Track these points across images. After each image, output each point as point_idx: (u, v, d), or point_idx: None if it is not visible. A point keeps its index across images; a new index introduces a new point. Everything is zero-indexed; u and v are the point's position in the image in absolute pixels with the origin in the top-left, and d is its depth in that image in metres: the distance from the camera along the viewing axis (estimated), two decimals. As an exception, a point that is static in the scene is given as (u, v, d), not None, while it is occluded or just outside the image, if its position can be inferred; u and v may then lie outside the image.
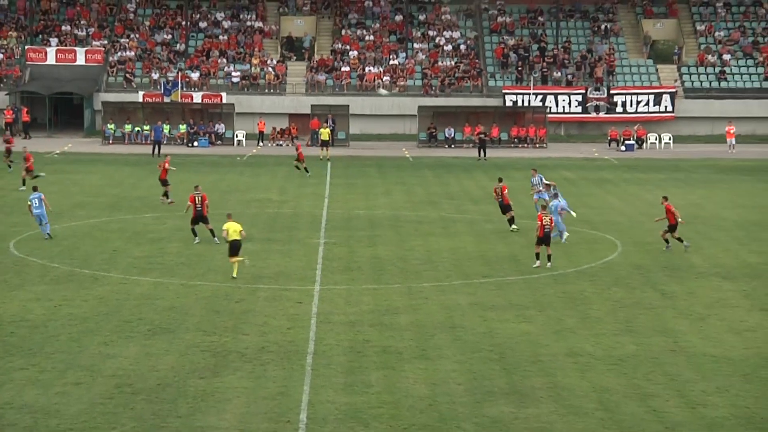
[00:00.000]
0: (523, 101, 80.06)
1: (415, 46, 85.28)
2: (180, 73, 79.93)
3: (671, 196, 50.68)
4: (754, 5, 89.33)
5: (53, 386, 22.01)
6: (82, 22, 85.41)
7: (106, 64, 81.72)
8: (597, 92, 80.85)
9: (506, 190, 41.22)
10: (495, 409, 21.10)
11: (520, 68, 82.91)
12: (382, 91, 79.93)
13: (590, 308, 29.22)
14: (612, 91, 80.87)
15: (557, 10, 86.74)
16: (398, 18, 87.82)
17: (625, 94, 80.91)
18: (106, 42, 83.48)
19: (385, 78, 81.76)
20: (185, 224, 38.63)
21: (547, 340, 26.00)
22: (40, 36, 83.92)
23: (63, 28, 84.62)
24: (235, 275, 32.08)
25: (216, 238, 36.92)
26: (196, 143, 74.48)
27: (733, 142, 74.18)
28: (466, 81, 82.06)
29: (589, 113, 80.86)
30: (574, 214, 39.47)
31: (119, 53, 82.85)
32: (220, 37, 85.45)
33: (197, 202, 37.35)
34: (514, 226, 40.67)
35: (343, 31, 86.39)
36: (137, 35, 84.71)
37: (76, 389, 21.87)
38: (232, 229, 32.23)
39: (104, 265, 34.01)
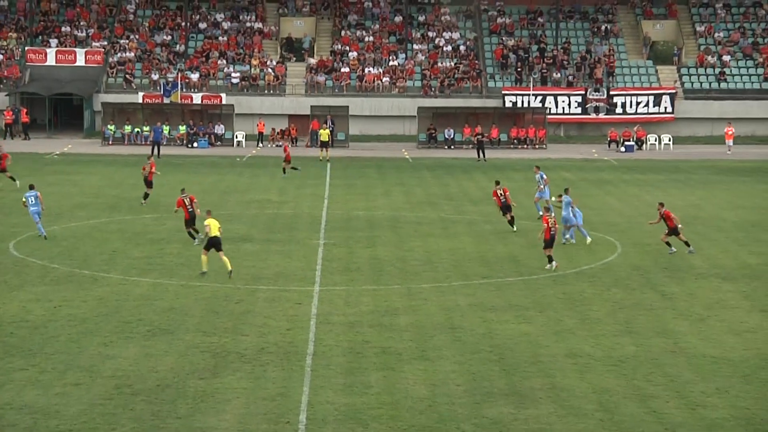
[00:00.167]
0: (522, 102, 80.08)
1: (415, 47, 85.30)
2: (180, 74, 79.93)
3: (671, 197, 50.80)
4: (754, 6, 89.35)
5: (53, 387, 22.02)
6: (81, 23, 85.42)
7: (105, 65, 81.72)
8: (596, 93, 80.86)
9: (508, 192, 41.41)
10: (494, 410, 21.10)
11: (519, 69, 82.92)
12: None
13: (590, 309, 29.23)
14: (611, 92, 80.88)
15: (557, 11, 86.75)
16: (398, 19, 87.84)
17: (625, 95, 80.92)
18: (105, 43, 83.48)
19: (384, 79, 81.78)
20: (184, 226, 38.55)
21: (546, 341, 26.01)
22: (40, 37, 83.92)
23: (63, 29, 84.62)
24: (204, 270, 32.23)
25: (195, 240, 37.02)
26: (195, 144, 74.49)
27: (731, 144, 74.20)
28: (465, 82, 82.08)
29: (589, 114, 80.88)
30: (589, 239, 38.44)
31: (119, 54, 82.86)
32: (220, 38, 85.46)
33: (187, 204, 37.43)
34: (514, 227, 40.72)
35: (343, 32, 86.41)
36: (137, 36, 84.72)
37: (76, 390, 21.87)
38: (214, 225, 32.47)
39: (104, 265, 34.01)
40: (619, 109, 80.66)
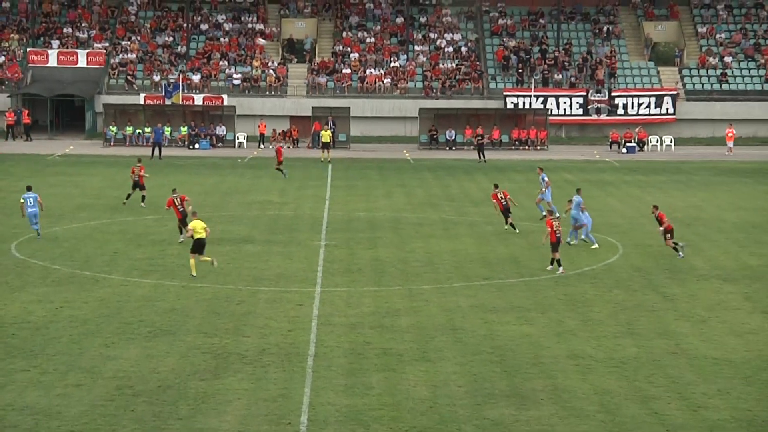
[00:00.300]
0: (524, 103, 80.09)
1: (416, 48, 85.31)
2: (181, 76, 79.97)
3: (672, 198, 50.80)
4: (756, 7, 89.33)
5: (54, 388, 22.02)
6: (83, 25, 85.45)
7: (107, 67, 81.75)
8: (598, 94, 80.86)
9: (508, 195, 41.47)
10: (496, 412, 21.10)
11: (520, 70, 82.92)
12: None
13: (591, 310, 29.21)
14: (613, 94, 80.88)
15: (558, 12, 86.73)
16: (399, 20, 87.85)
17: (626, 96, 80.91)
18: (107, 44, 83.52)
19: (386, 80, 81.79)
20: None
21: (548, 342, 26.00)
22: (42, 38, 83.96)
23: (64, 30, 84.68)
24: (194, 273, 32.36)
25: (181, 237, 37.14)
26: (197, 145, 74.52)
27: (731, 145, 74.16)
28: (466, 83, 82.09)
29: (590, 115, 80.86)
30: (595, 245, 38.17)
31: (120, 55, 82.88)
32: (221, 39, 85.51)
33: (177, 203, 37.58)
34: (514, 230, 40.73)
35: (344, 33, 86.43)
36: (138, 37, 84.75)
37: (77, 391, 21.87)
38: (198, 227, 32.65)
39: (105, 267, 34.02)
40: (620, 111, 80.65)
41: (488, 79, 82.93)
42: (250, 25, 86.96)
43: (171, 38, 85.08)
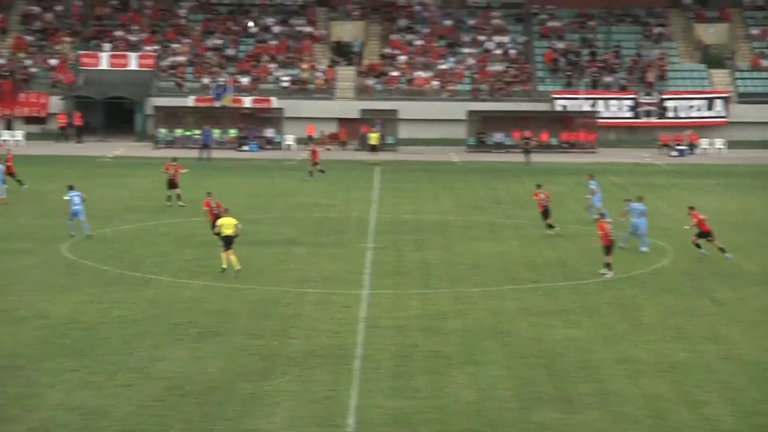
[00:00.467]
0: (572, 106, 79.68)
1: (465, 50, 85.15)
2: (230, 78, 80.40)
3: (723, 202, 50.30)
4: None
5: (104, 388, 22.20)
6: (134, 28, 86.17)
7: (157, 69, 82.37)
8: (648, 97, 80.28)
9: (549, 196, 41.40)
10: (543, 415, 20.99)
11: (569, 73, 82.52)
12: (250, 24, 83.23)
13: (640, 314, 28.99)
14: (663, 96, 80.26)
15: (608, 14, 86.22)
16: (448, 22, 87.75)
17: (677, 98, 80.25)
18: (157, 47, 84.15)
19: (434, 82, 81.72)
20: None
21: (595, 346, 25.84)
22: (94, 41, 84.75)
23: (116, 33, 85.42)
24: (225, 266, 32.89)
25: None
26: (246, 147, 74.87)
27: None
28: (515, 85, 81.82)
29: (640, 118, 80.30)
30: (645, 249, 37.91)
31: (171, 58, 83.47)
32: (270, 42, 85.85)
33: (213, 206, 37.95)
34: (554, 230, 40.60)
35: (393, 36, 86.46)
36: (188, 40, 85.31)
37: (126, 391, 22.04)
38: (226, 224, 33.09)
39: (154, 268, 34.26)
40: (670, 113, 79.98)
41: (537, 81, 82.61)
42: (298, 28, 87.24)
43: (221, 41, 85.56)
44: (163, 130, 75.99)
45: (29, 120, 79.55)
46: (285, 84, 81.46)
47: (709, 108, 79.97)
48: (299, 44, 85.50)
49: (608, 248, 33.33)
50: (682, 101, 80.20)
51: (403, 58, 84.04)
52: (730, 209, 47.94)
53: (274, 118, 77.63)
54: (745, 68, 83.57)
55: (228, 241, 33.15)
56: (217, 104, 78.25)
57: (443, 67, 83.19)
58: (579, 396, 22.13)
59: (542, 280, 33.19)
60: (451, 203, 50.13)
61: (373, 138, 68.62)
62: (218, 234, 33.63)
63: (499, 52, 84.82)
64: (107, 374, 23.08)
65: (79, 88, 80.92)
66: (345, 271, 34.11)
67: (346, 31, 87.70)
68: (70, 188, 39.70)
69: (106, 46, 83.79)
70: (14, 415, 20.49)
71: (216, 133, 74.45)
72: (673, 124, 79.07)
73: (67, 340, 25.71)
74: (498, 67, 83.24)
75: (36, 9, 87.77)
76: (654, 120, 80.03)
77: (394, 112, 77.41)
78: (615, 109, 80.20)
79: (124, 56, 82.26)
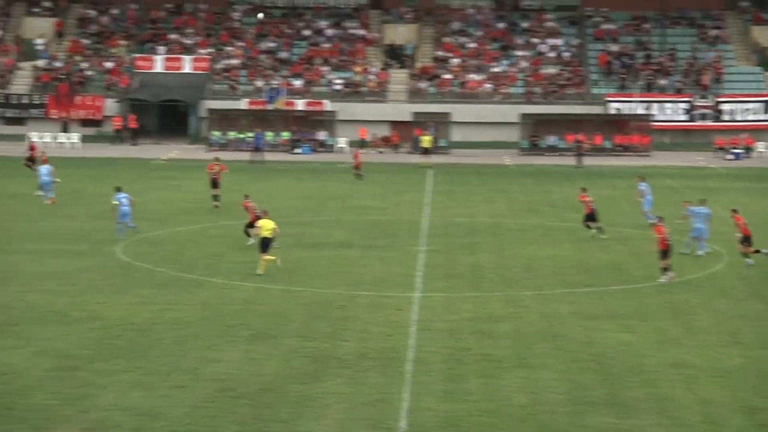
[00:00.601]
0: (627, 109, 79.13)
1: (518, 53, 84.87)
2: (283, 81, 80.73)
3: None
4: None
5: (157, 389, 22.35)
6: (189, 31, 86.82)
7: (211, 72, 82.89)
8: (703, 100, 79.50)
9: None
10: (596, 420, 20.85)
11: (624, 76, 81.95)
12: (260, 15, 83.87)
13: (695, 319, 28.71)
14: (719, 99, 79.44)
15: (663, 17, 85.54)
16: (501, 25, 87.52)
17: (733, 101, 79.40)
18: (212, 50, 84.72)
19: (487, 85, 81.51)
20: (287, 230, 38.82)
21: (649, 350, 25.62)
22: (149, 44, 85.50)
23: (170, 36, 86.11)
24: (260, 272, 32.91)
25: (251, 239, 37.36)
26: (298, 150, 75.13)
27: None
28: (568, 88, 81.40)
29: (695, 121, 79.53)
30: (701, 252, 37.80)
31: (224, 61, 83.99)
32: (323, 45, 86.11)
33: (252, 206, 38.39)
34: (600, 233, 40.39)
35: (445, 39, 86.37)
36: (242, 43, 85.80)
37: (180, 392, 22.17)
38: (266, 226, 33.26)
39: (207, 270, 34.46)
40: (726, 116, 79.15)
41: (590, 84, 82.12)
42: (351, 31, 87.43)
43: (274, 44, 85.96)
44: (216, 133, 76.48)
45: (85, 122, 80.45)
46: (338, 87, 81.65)
47: (766, 111, 79.02)
48: (352, 47, 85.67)
49: (665, 252, 32.98)
50: (738, 104, 79.34)
51: (455, 60, 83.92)
52: (786, 213, 47.35)
53: (326, 121, 77.84)
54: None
55: (265, 244, 33.24)
56: (270, 107, 78.61)
57: (496, 69, 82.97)
58: (633, 401, 21.95)
59: (595, 284, 32.97)
60: (503, 206, 49.96)
61: (426, 141, 68.59)
62: (255, 234, 33.87)
63: (552, 54, 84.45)
64: (160, 375, 23.24)
65: (134, 90, 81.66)
66: (397, 274, 34.11)
67: (399, 33, 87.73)
68: (118, 190, 40.10)
69: (161, 49, 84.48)
70: (69, 415, 20.69)
71: (269, 136, 74.82)
72: (729, 127, 78.22)
73: (121, 342, 25.92)
74: (551, 70, 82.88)
75: (92, 12, 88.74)
76: (709, 123, 79.23)
77: (446, 115, 77.33)
78: (670, 112, 79.52)
79: (179, 59, 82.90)
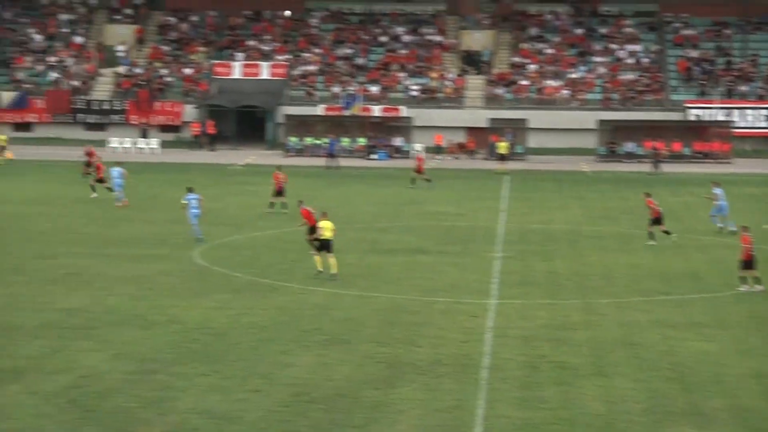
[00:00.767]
0: (707, 116, 78.09)
1: (596, 59, 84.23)
2: (360, 87, 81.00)
3: None
4: None
5: (234, 393, 22.50)
6: (267, 38, 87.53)
7: (289, 78, 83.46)
8: (786, 106, 78.25)
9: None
10: (675, 430, 20.56)
11: (704, 82, 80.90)
12: (287, 13, 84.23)
13: (776, 329, 28.20)
14: (801, 105, 78.11)
15: (744, 22, 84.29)
16: (579, 31, 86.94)
17: (816, 108, 78.00)
18: (289, 56, 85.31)
19: (564, 91, 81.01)
20: (362, 236, 38.99)
21: (730, 360, 25.21)
22: (227, 51, 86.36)
23: (249, 43, 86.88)
24: (334, 271, 33.27)
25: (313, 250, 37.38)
26: (374, 156, 75.30)
27: None
28: (647, 94, 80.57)
29: (777, 128, 78.25)
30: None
31: (302, 67, 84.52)
32: (400, 51, 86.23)
33: (312, 211, 38.30)
34: (652, 241, 40.01)
35: (523, 45, 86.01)
36: (320, 50, 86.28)
37: (256, 396, 22.31)
38: (327, 227, 33.61)
39: (283, 275, 34.65)
40: (809, 123, 77.79)
41: (669, 90, 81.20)
42: (428, 37, 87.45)
43: (351, 50, 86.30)
44: (293, 139, 76.96)
45: (164, 128, 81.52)
46: (414, 93, 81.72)
47: None
48: (429, 53, 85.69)
49: (748, 263, 32.38)
50: (822, 110, 77.90)
51: (533, 66, 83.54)
52: None
53: (402, 127, 77.94)
54: None
55: (326, 245, 33.38)
56: (346, 113, 78.94)
57: (574, 76, 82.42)
58: (712, 411, 21.61)
59: (674, 292, 32.55)
60: (580, 213, 49.57)
61: (502, 147, 68.37)
62: (316, 239, 34.00)
63: (631, 60, 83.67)
64: (237, 379, 23.40)
65: (213, 96, 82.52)
66: (472, 280, 34.00)
67: (476, 39, 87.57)
68: (190, 191, 40.53)
69: (239, 55, 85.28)
70: (148, 418, 20.92)
71: (345, 141, 75.10)
72: (812, 134, 76.86)
73: (199, 345, 26.15)
74: (630, 76, 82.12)
75: (172, 20, 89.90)
76: (792, 130, 77.89)
77: (523, 121, 77.00)
78: (751, 118, 78.36)
79: (257, 65, 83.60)
